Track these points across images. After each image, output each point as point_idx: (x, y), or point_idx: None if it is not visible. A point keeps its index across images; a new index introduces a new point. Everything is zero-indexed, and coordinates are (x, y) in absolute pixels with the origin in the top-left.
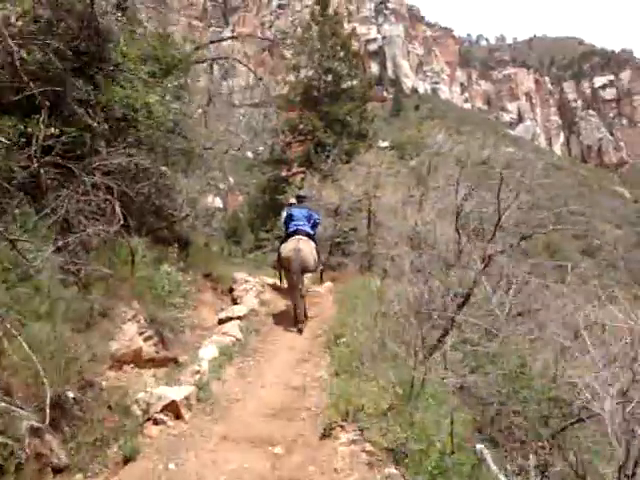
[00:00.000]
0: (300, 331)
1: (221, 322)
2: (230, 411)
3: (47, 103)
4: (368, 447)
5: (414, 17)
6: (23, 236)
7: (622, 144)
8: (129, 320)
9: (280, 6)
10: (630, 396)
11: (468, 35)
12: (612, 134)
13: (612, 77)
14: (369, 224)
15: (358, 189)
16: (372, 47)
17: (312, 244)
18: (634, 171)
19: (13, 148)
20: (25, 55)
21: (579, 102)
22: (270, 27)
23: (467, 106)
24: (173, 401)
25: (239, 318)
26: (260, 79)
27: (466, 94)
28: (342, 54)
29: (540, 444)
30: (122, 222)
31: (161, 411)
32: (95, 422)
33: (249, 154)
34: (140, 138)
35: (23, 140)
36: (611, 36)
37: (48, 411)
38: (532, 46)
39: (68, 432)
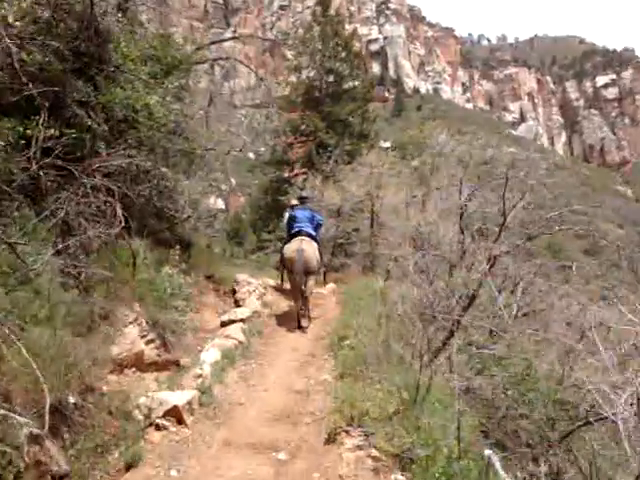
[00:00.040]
0: (303, 329)
1: (224, 324)
2: (233, 416)
3: (47, 104)
4: (374, 453)
5: (415, 17)
6: (23, 239)
7: (624, 143)
8: (130, 323)
9: (281, 7)
10: None
11: (469, 35)
12: (614, 133)
13: (614, 76)
14: (372, 225)
15: (360, 190)
16: (374, 47)
17: (315, 245)
18: (636, 170)
19: (12, 150)
20: (24, 56)
21: (581, 101)
22: (271, 28)
23: (469, 106)
24: (175, 406)
25: (242, 321)
26: (262, 80)
27: (468, 94)
28: (344, 55)
29: (548, 447)
30: (123, 224)
31: (163, 416)
32: (96, 428)
33: (251, 155)
34: (141, 139)
35: (22, 142)
36: (613, 35)
37: (47, 417)
38: (534, 45)
39: (68, 438)
